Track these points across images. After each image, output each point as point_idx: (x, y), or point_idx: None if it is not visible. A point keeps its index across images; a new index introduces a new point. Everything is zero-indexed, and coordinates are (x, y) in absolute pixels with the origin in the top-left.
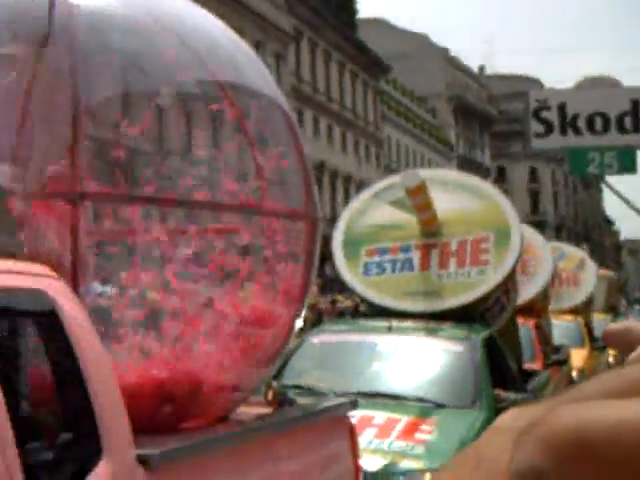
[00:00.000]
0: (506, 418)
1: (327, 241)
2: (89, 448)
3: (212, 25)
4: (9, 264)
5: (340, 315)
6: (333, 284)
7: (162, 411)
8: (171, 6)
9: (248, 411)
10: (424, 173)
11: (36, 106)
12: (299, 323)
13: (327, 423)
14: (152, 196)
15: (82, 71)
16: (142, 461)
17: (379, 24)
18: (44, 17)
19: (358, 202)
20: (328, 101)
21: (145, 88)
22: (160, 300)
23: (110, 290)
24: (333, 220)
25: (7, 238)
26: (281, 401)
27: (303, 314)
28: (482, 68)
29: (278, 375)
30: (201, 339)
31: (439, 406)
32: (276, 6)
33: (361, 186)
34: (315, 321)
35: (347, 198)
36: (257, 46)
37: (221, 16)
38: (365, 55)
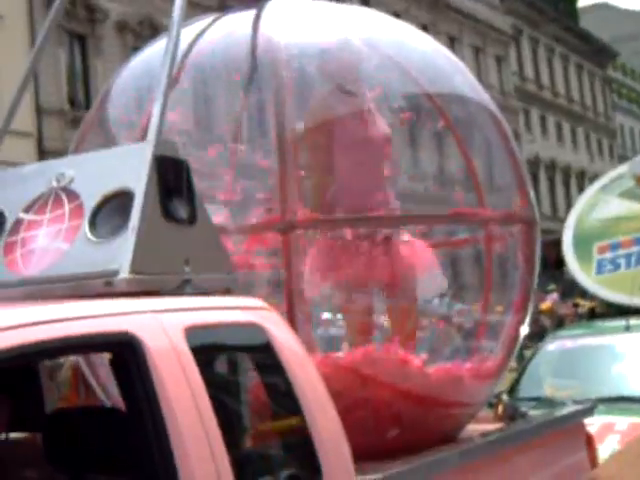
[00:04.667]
0: None
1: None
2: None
3: (418, 39)
4: (224, 300)
5: (579, 319)
6: (574, 288)
7: (388, 435)
8: (376, 27)
9: (477, 428)
10: None
11: (243, 142)
12: (524, 331)
13: (562, 434)
14: (364, 216)
15: (287, 100)
16: None
17: (601, 8)
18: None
19: (586, 197)
20: (554, 97)
21: (352, 109)
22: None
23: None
24: None
25: (223, 274)
26: (512, 415)
27: (527, 321)
28: None
29: (515, 388)
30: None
31: None
32: (492, 7)
33: (596, 181)
34: (556, 328)
35: None
36: (477, 52)
37: (435, 26)
38: (589, 44)
